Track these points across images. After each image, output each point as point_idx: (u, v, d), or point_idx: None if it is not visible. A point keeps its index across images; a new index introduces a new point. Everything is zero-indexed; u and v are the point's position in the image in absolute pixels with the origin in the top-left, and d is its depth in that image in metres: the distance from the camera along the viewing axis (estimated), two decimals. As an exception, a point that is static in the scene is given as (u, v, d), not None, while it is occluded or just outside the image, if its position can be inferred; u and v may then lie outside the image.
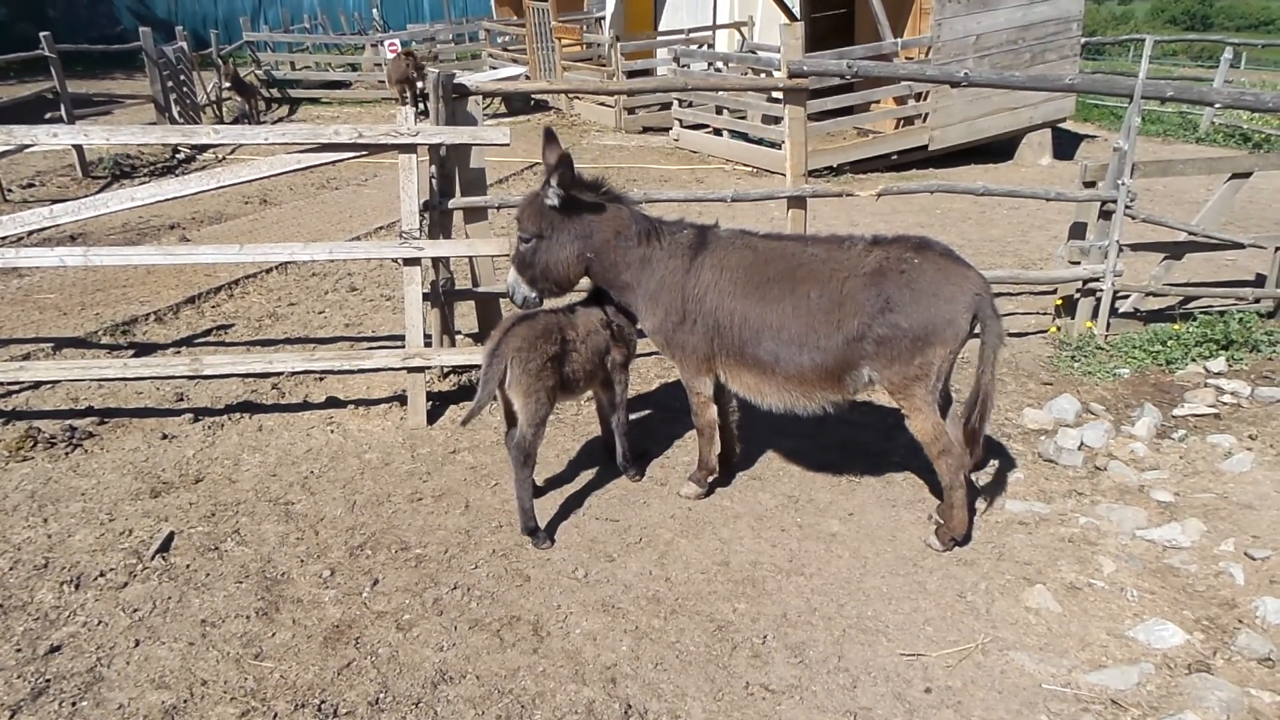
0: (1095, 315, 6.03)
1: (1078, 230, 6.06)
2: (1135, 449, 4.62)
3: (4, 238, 4.89)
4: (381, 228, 9.12)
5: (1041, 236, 9.24)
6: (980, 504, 4.18)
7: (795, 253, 3.80)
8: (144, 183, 11.61)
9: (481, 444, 4.82)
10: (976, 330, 3.62)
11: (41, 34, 12.16)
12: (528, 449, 3.79)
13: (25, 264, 4.88)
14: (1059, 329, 6.27)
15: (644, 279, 3.92)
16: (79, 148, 11.31)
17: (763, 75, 13.27)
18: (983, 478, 4.41)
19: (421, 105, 17.24)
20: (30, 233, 7.56)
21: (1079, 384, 5.57)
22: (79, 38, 20.71)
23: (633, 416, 5.10)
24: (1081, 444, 4.69)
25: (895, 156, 12.53)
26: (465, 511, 4.17)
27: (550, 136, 4.01)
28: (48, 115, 12.20)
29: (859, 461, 4.60)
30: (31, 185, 11.25)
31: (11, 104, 11.32)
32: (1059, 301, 6.33)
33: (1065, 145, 14.43)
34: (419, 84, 17.26)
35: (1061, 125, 14.33)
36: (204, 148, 13.02)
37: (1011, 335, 6.30)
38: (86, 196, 9.68)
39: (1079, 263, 5.96)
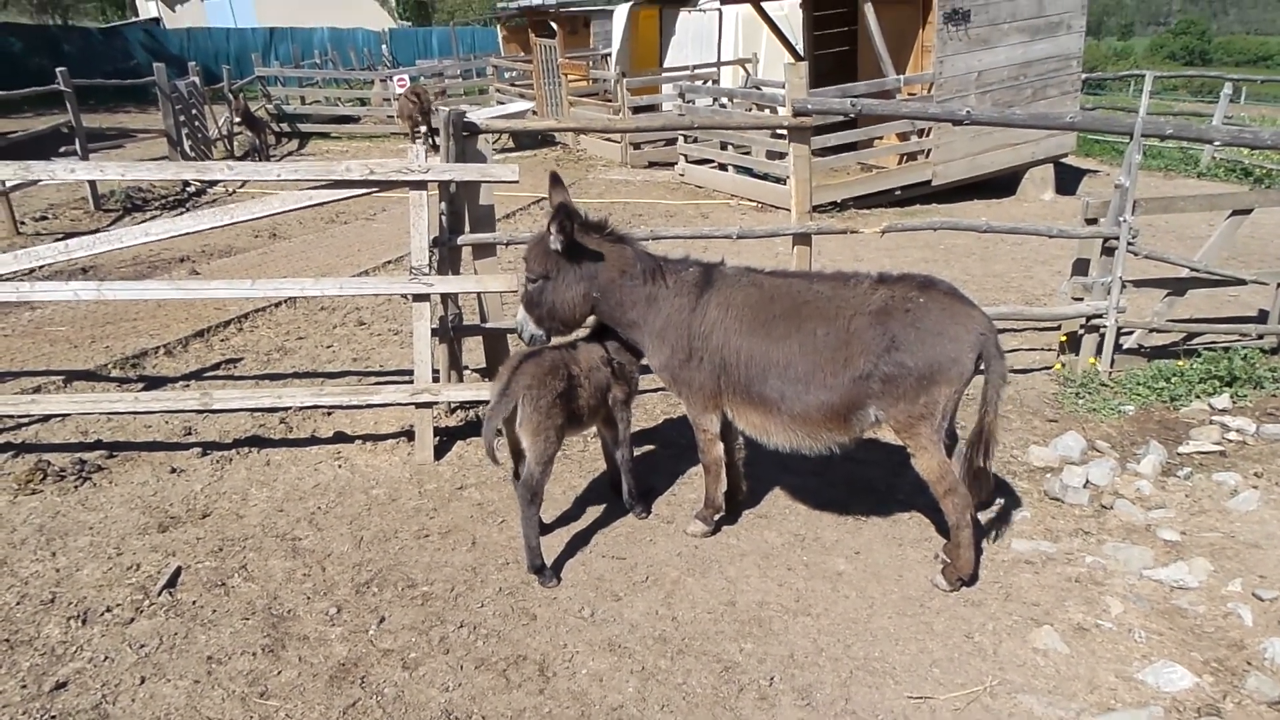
0: (1099, 352, 6.06)
1: (1080, 267, 6.09)
2: (1141, 487, 4.62)
3: (18, 272, 4.96)
4: (389, 262, 9.20)
5: (1045, 272, 9.28)
6: (987, 543, 4.18)
7: (801, 290, 3.84)
8: (155, 215, 11.76)
9: (488, 480, 4.83)
10: (981, 369, 3.65)
11: (58, 69, 12.34)
12: (535, 487, 3.81)
13: (39, 298, 4.94)
14: (1063, 365, 6.29)
15: (650, 317, 3.96)
16: (92, 181, 11.45)
17: (767, 111, 13.42)
18: (989, 516, 4.41)
19: (430, 140, 17.51)
20: (43, 266, 7.62)
21: (1084, 421, 5.58)
22: (94, 72, 21.07)
23: (638, 452, 5.12)
24: (1087, 482, 4.69)
25: (899, 192, 12.62)
26: (472, 548, 4.17)
27: (556, 180, 4.07)
28: (62, 149, 12.35)
29: (865, 499, 4.60)
30: (45, 218, 11.38)
31: (27, 138, 11.47)
32: (1063, 338, 6.35)
33: (1067, 180, 14.52)
34: (428, 119, 17.53)
35: (1064, 160, 14.44)
36: (216, 181, 13.16)
37: (1016, 371, 6.32)
38: (100, 230, 9.78)
39: (1082, 299, 5.99)
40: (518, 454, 3.91)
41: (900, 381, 3.55)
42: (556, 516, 4.45)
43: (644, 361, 4.21)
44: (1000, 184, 13.57)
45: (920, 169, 12.66)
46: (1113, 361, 6.04)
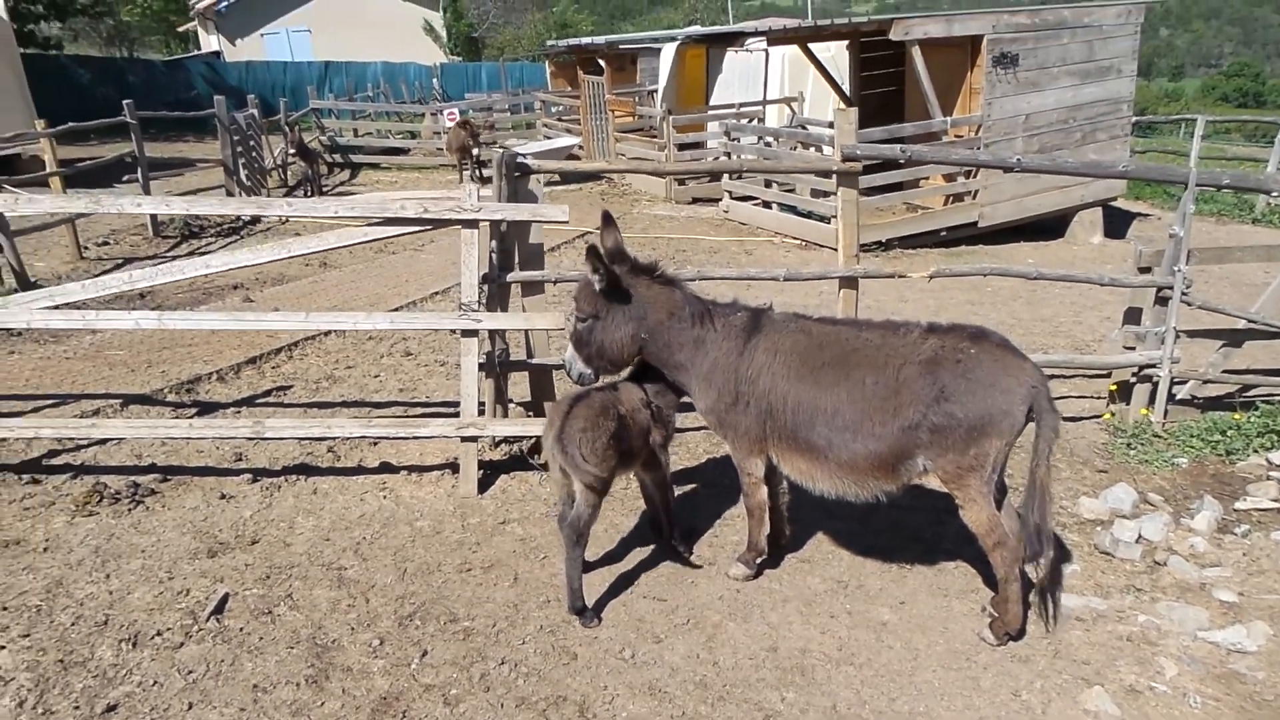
0: (1151, 402, 5.95)
1: (1132, 315, 6.01)
2: (1196, 544, 4.51)
3: (86, 300, 5.13)
4: (437, 293, 9.35)
5: (1094, 317, 9.15)
6: (1035, 597, 4.10)
7: (849, 338, 3.84)
8: (211, 242, 12.09)
9: (531, 516, 4.86)
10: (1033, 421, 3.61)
11: (124, 102, 12.80)
12: (582, 529, 3.82)
13: (104, 326, 5.09)
14: (1114, 415, 6.18)
15: (697, 360, 3.98)
16: (152, 209, 11.80)
17: (812, 149, 13.48)
18: (1037, 571, 4.32)
19: (478, 171, 17.83)
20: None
21: (1135, 473, 5.47)
22: (156, 102, 21.80)
23: (680, 492, 5.13)
24: (1139, 537, 4.59)
25: (944, 233, 12.57)
26: (514, 584, 4.19)
27: (608, 220, 4.13)
28: (125, 177, 12.78)
29: (910, 547, 4.55)
30: (106, 243, 11.75)
31: (94, 166, 11.88)
32: (1113, 387, 6.25)
33: (1117, 223, 14.36)
34: (475, 151, 17.87)
35: (1113, 204, 14.29)
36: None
37: (1065, 419, 6.21)
38: (158, 256, 10.05)
39: (1134, 348, 5.90)
40: (568, 495, 3.92)
41: (950, 432, 3.52)
42: (599, 554, 4.46)
43: (684, 402, 4.23)
44: (1048, 226, 13.45)
45: (967, 210, 12.60)
46: (1165, 412, 5.92)
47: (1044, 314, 9.32)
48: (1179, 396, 6.09)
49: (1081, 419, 6.31)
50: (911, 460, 3.66)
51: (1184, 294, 5.65)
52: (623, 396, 4.08)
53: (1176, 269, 5.63)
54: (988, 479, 3.62)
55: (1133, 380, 6.00)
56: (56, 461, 5.40)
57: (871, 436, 3.66)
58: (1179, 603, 4.01)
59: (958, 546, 4.49)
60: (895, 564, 4.41)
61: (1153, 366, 5.84)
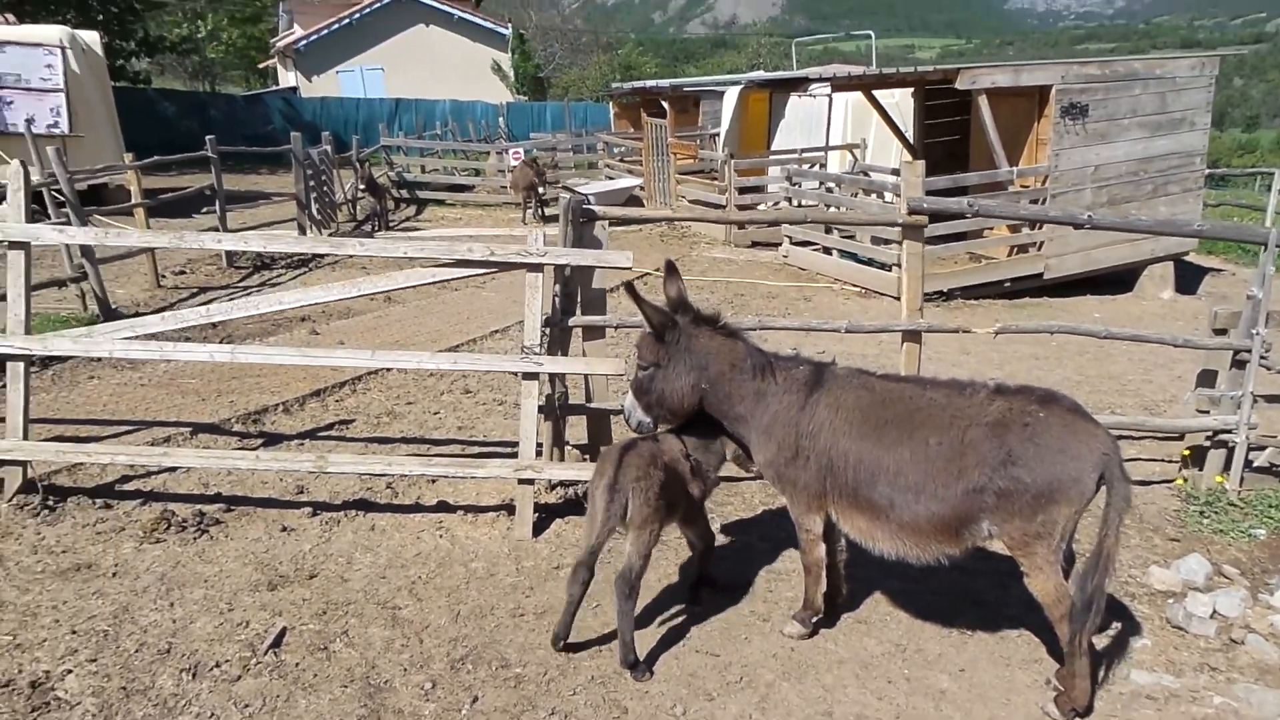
0: (1227, 468, 5.74)
1: (1206, 378, 5.83)
2: (1276, 622, 4.31)
3: (164, 332, 5.32)
4: (496, 331, 9.48)
5: (1164, 376, 8.90)
6: (1103, 672, 3.95)
7: (913, 396, 3.79)
8: (281, 274, 12.44)
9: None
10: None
11: (206, 137, 13.33)
12: (634, 580, 3.80)
13: (181, 358, 5.27)
14: (1186, 481, 5.97)
15: (758, 412, 3.96)
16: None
17: (874, 196, 13.43)
18: (1107, 642, 4.18)
19: (541, 210, 18.12)
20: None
21: (1209, 543, 5.27)
22: (235, 134, 22.68)
23: (735, 544, 5.08)
24: (1214, 612, 4.40)
25: (1008, 283, 12.37)
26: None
27: (671, 269, 4.16)
28: (204, 209, 13.28)
29: (971, 612, 4.43)
30: (183, 272, 12.17)
31: (176, 198, 12.36)
32: (1186, 452, 6.04)
33: (1189, 278, 13.99)
34: (540, 190, 18.19)
35: (1185, 258, 13.94)
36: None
37: (1135, 483, 6.03)
38: (236, 293, 10.38)
39: (1208, 412, 5.71)
40: (598, 544, 3.90)
41: (1017, 497, 3.44)
42: (651, 603, 4.43)
43: (728, 460, 4.26)
44: (1116, 279, 13.16)
45: (1032, 262, 12.40)
46: (1242, 480, 5.71)
47: (1112, 371, 9.09)
48: (1256, 464, 5.86)
49: (1151, 483, 6.11)
50: (976, 524, 3.58)
51: (1263, 358, 5.47)
52: (665, 448, 4.09)
53: (1255, 332, 5.46)
54: (1056, 547, 3.52)
55: (1207, 445, 5.79)
56: (128, 487, 5.57)
57: (935, 498, 3.59)
58: (1258, 685, 3.83)
59: (1021, 613, 4.36)
60: (955, 629, 4.29)
61: (1228, 432, 5.64)
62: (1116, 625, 4.29)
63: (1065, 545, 3.58)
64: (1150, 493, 5.95)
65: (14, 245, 5.13)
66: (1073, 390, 8.27)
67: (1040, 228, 12.18)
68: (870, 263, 12.64)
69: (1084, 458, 3.44)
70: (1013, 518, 3.49)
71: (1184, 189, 13.06)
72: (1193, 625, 4.30)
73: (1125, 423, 5.83)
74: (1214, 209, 20.00)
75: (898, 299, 5.89)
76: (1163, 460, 6.54)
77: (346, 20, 34.81)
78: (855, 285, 12.69)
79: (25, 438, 5.18)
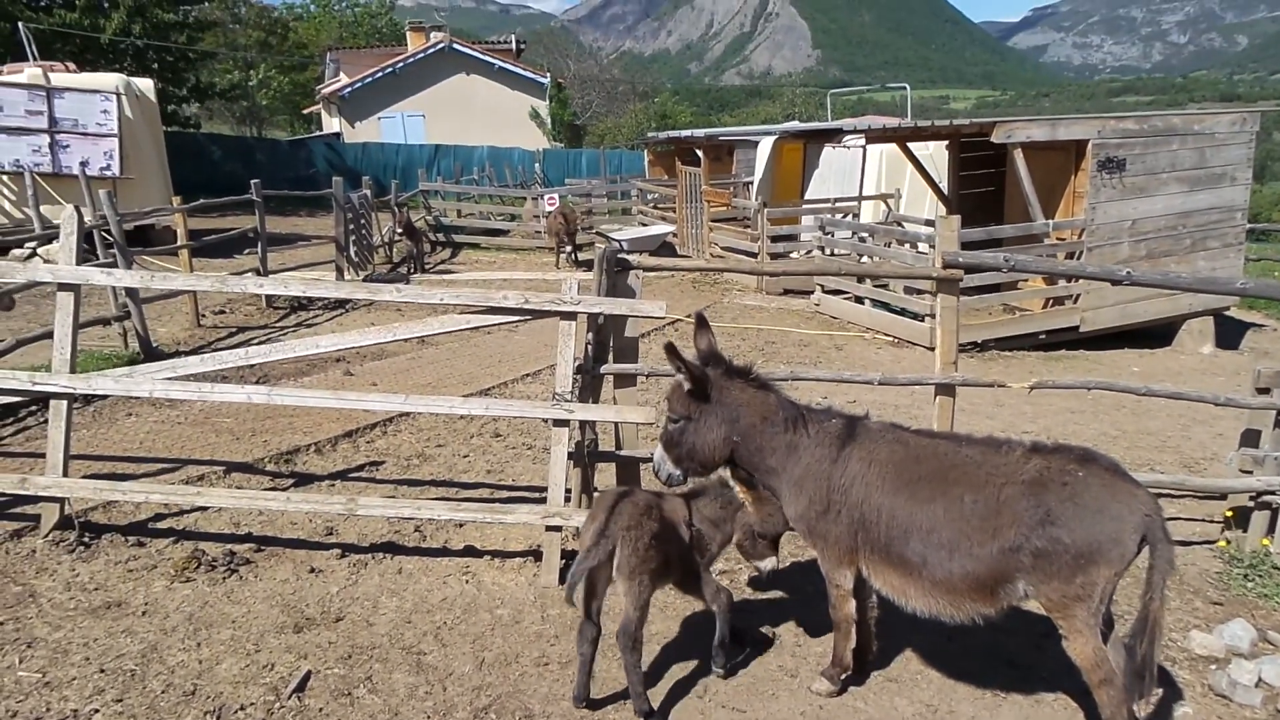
0: (1271, 531, 5.57)
1: (1250, 438, 5.69)
2: (1325, 694, 4.15)
3: (205, 373, 5.42)
4: (528, 375, 9.53)
5: (1204, 433, 8.71)
6: (1143, 741, 3.82)
7: (948, 452, 3.74)
8: (318, 314, 12.65)
9: (610, 611, 4.78)
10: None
11: (251, 181, 13.68)
12: (634, 633, 3.76)
13: (218, 399, 5.36)
14: (1229, 542, 5.81)
15: (789, 465, 3.93)
16: (267, 281, 12.49)
17: (906, 246, 13.42)
18: (1147, 710, 4.05)
19: (574, 256, 18.30)
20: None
21: (1254, 607, 5.11)
22: (278, 178, 23.29)
23: (763, 597, 5.01)
24: (1260, 680, 4.25)
25: (1043, 335, 12.25)
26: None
27: (701, 322, 4.17)
28: (246, 250, 13.59)
29: (1004, 673, 4.32)
30: (222, 311, 12.43)
31: (219, 240, 12.67)
32: (1229, 513, 5.89)
33: (1229, 333, 13.76)
34: (573, 238, 18.38)
35: (1225, 313, 13.73)
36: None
37: (1175, 544, 5.88)
38: (274, 332, 10.55)
39: (1251, 472, 5.57)
40: (591, 599, 3.87)
41: (1055, 558, 3.37)
42: (677, 654, 4.36)
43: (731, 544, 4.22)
44: (1155, 332, 12.97)
45: (1067, 314, 12.28)
46: (1288, 543, 5.54)
47: (1150, 427, 8.92)
48: (1303, 527, 5.70)
49: (1192, 543, 5.95)
50: (1011, 584, 3.51)
51: (1308, 419, 5.34)
52: (666, 505, 4.06)
53: (1300, 392, 5.34)
54: (1095, 610, 3.43)
55: (1251, 506, 5.64)
56: (161, 525, 5.63)
57: (969, 556, 3.52)
58: (1307, 761, 3.68)
59: (1057, 676, 4.25)
60: (989, 690, 4.18)
61: (1273, 493, 5.49)
62: (1157, 692, 4.15)
63: (1104, 607, 3.49)
64: (1191, 553, 5.79)
65: (64, 287, 5.27)
66: (1110, 446, 8.14)
67: (1076, 280, 12.08)
68: (903, 312, 12.59)
69: (1125, 518, 3.37)
70: (1050, 579, 3.41)
71: (1224, 244, 12.91)
72: (1237, 694, 4.16)
73: (1165, 481, 5.71)
74: (1255, 264, 19.72)
75: (930, 349, 5.86)
76: (1203, 520, 6.38)
77: (390, 69, 35.79)
78: (888, 334, 12.62)
79: (65, 474, 5.27)
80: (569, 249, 18.47)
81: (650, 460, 4.28)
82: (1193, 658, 4.56)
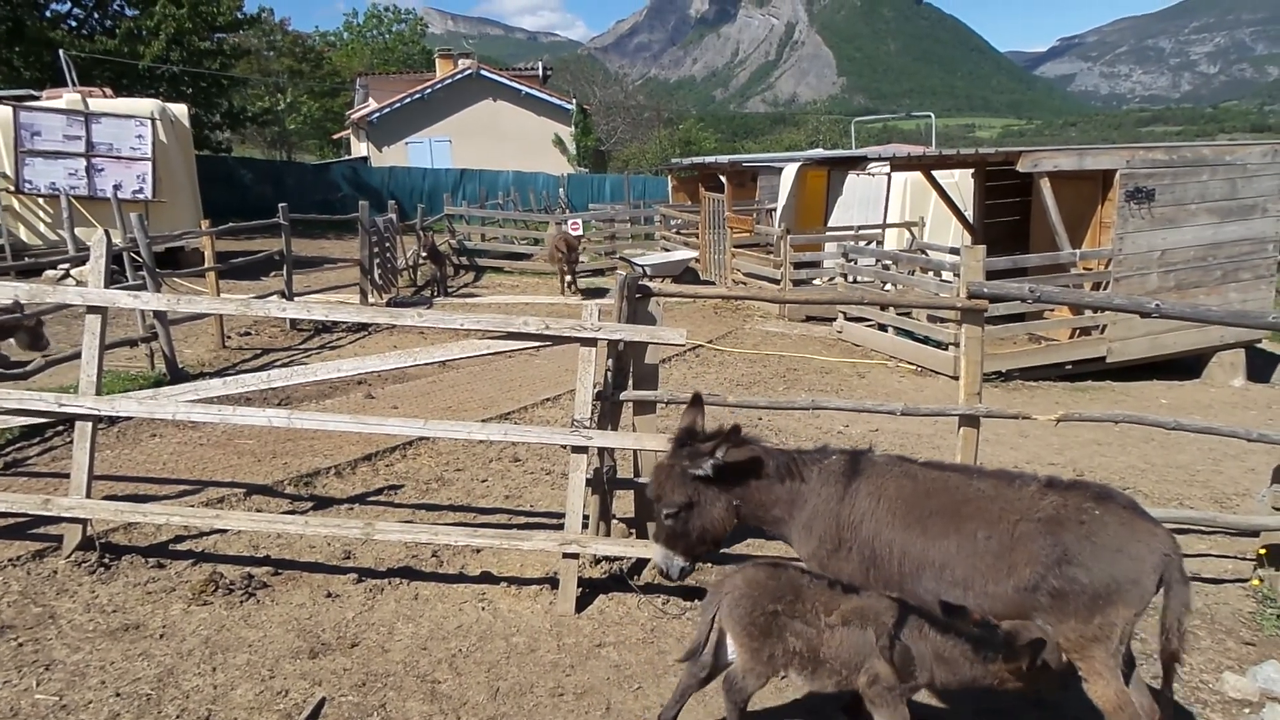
0: (1306, 571, 5.44)
1: (1283, 474, 5.57)
2: (1363, 742, 4.02)
3: (227, 395, 5.46)
4: (548, 399, 9.52)
5: (1235, 468, 8.53)
6: (1173, 788, 3.71)
7: (960, 486, 3.67)
8: (341, 336, 12.75)
9: (626, 640, 4.76)
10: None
11: (279, 205, 13.87)
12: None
13: (239, 422, 5.39)
14: (1261, 581, 5.67)
15: (795, 511, 3.85)
16: (292, 303, 12.61)
17: (930, 274, 13.35)
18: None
19: (574, 284, 18.21)
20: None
21: (1289, 650, 4.97)
22: (307, 200, 23.62)
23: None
24: (1295, 727, 4.13)
25: (1069, 365, 12.10)
26: (605, 715, 4.08)
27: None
28: (273, 273, 13.75)
29: (1029, 714, 4.21)
30: (248, 333, 12.56)
31: (246, 262, 12.84)
32: (1261, 550, 5.75)
33: (1261, 366, 13.52)
34: (573, 267, 18.29)
35: (1257, 345, 13.51)
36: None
37: (1206, 581, 5.76)
38: (296, 353, 10.63)
39: (1285, 510, 5.45)
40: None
41: (1072, 598, 3.30)
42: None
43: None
44: (1184, 364, 12.78)
45: (1094, 345, 12.13)
46: (1323, 584, 5.40)
47: (1179, 460, 8.75)
48: (1339, 567, 5.55)
49: (1223, 581, 5.82)
50: (1029, 624, 3.43)
51: (1343, 456, 5.22)
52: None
53: (1333, 428, 5.22)
54: (1114, 650, 3.35)
55: (1284, 544, 5.51)
56: (181, 547, 5.66)
57: (983, 595, 3.45)
58: (1344, 813, 3.56)
59: (1081, 715, 4.14)
60: (1013, 732, 4.09)
61: (1307, 532, 5.36)
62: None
63: (1124, 648, 3.41)
64: (1223, 592, 5.66)
65: (91, 309, 5.35)
66: (1138, 479, 8.00)
67: (1104, 311, 11.94)
68: (926, 341, 12.50)
69: (1143, 558, 3.29)
70: (1068, 619, 3.34)
71: (1256, 275, 12.73)
72: (1271, 741, 4.04)
73: (1195, 517, 5.60)
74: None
75: (954, 378, 5.79)
76: (1235, 557, 6.23)
77: (419, 94, 36.27)
78: (911, 363, 12.52)
79: (88, 495, 5.32)
80: (570, 279, 18.37)
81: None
82: (1225, 700, 4.44)
